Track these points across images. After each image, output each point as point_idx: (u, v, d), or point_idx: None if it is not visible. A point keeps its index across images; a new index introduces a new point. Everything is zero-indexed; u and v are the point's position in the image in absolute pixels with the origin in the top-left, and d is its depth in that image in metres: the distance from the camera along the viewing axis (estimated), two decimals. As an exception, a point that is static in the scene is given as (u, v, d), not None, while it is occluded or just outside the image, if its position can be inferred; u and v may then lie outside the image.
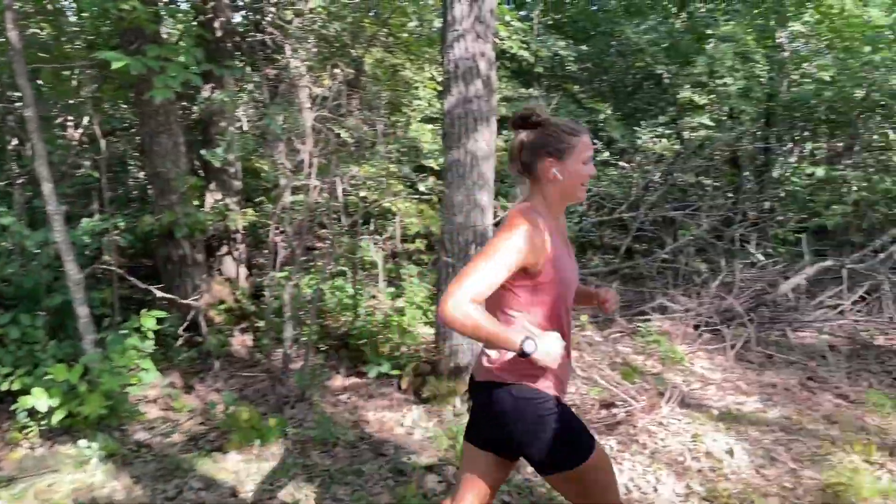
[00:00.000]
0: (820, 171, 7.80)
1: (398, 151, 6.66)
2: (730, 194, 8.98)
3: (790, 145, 9.30)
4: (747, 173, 9.68)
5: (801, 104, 8.58)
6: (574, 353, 5.52)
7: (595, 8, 10.17)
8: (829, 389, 4.85)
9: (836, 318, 6.01)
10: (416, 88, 6.74)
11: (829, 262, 6.21)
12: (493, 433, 2.23)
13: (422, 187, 6.34)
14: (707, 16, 8.29)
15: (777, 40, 9.66)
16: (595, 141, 8.32)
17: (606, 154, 7.87)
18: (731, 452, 3.95)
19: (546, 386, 2.14)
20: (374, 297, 5.78)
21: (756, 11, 9.19)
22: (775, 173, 8.49)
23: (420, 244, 6.69)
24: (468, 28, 4.34)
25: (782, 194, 8.19)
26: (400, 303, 5.57)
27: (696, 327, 5.89)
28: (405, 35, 6.62)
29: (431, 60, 6.85)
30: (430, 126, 6.43)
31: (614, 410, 4.42)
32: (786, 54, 9.45)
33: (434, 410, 4.41)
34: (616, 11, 9.89)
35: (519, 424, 2.12)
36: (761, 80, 9.03)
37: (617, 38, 9.32)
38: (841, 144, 9.24)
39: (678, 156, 7.85)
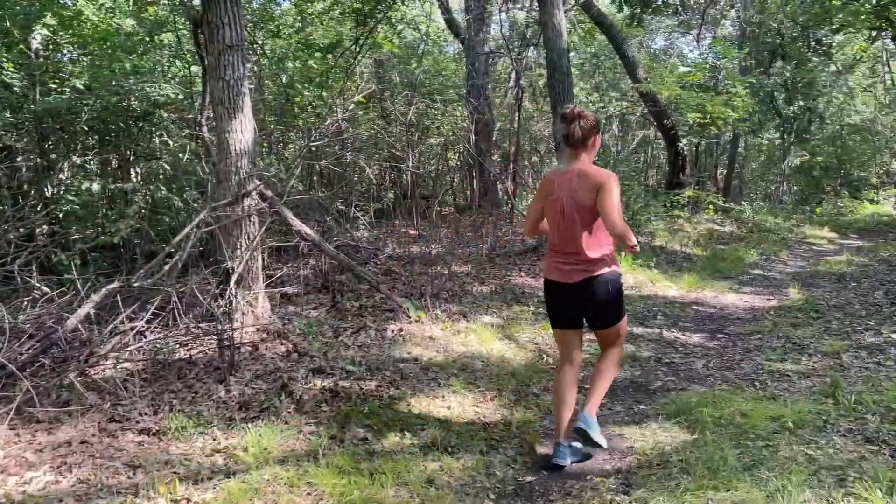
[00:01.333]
0: (96, 186, 7.21)
1: None
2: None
3: (62, 162, 8.43)
4: (20, 194, 8.39)
5: (64, 114, 7.80)
6: None
7: None
8: (131, 427, 4.32)
9: (135, 341, 5.54)
10: None
11: (115, 285, 5.64)
12: (586, 309, 3.94)
13: None
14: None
15: (32, 46, 8.65)
16: None
17: None
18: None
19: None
20: None
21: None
22: (49, 192, 7.53)
23: None
24: None
25: (61, 215, 7.29)
26: None
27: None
28: None
29: None
30: None
31: None
32: (39, 60, 8.51)
33: None
34: None
35: (615, 294, 3.87)
36: (15, 88, 7.89)
37: None
38: (114, 156, 8.86)
39: None
